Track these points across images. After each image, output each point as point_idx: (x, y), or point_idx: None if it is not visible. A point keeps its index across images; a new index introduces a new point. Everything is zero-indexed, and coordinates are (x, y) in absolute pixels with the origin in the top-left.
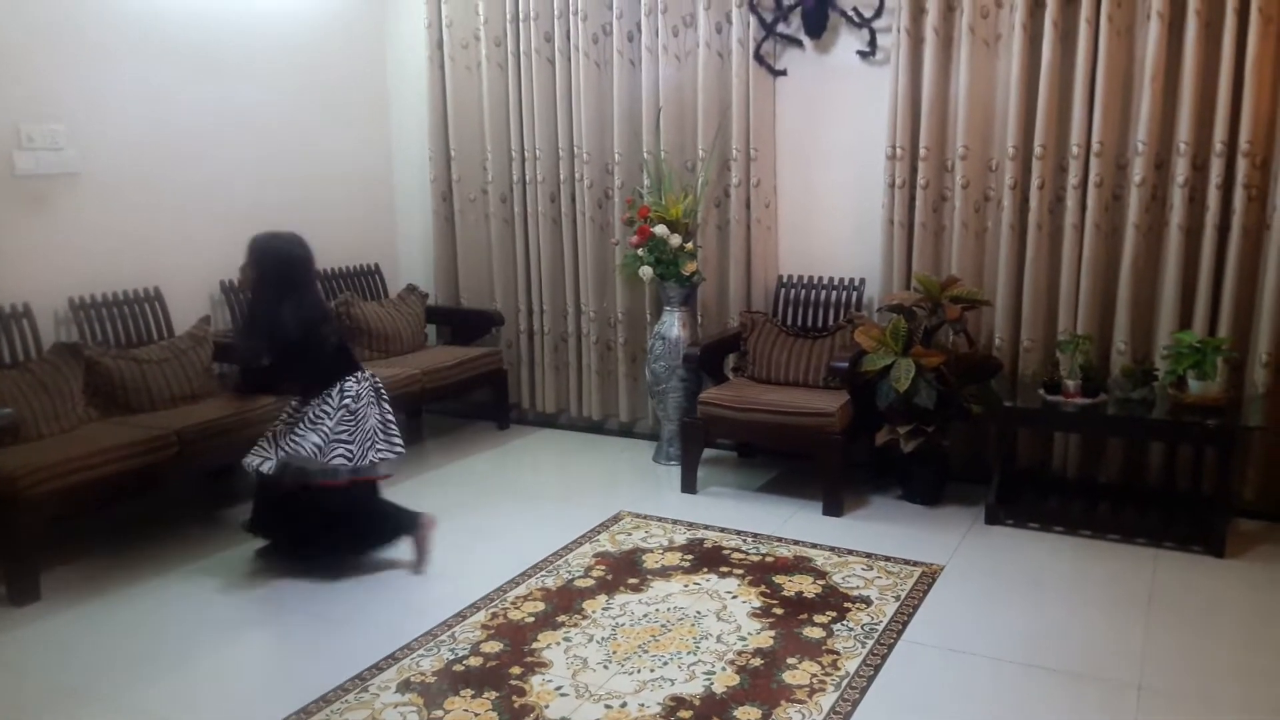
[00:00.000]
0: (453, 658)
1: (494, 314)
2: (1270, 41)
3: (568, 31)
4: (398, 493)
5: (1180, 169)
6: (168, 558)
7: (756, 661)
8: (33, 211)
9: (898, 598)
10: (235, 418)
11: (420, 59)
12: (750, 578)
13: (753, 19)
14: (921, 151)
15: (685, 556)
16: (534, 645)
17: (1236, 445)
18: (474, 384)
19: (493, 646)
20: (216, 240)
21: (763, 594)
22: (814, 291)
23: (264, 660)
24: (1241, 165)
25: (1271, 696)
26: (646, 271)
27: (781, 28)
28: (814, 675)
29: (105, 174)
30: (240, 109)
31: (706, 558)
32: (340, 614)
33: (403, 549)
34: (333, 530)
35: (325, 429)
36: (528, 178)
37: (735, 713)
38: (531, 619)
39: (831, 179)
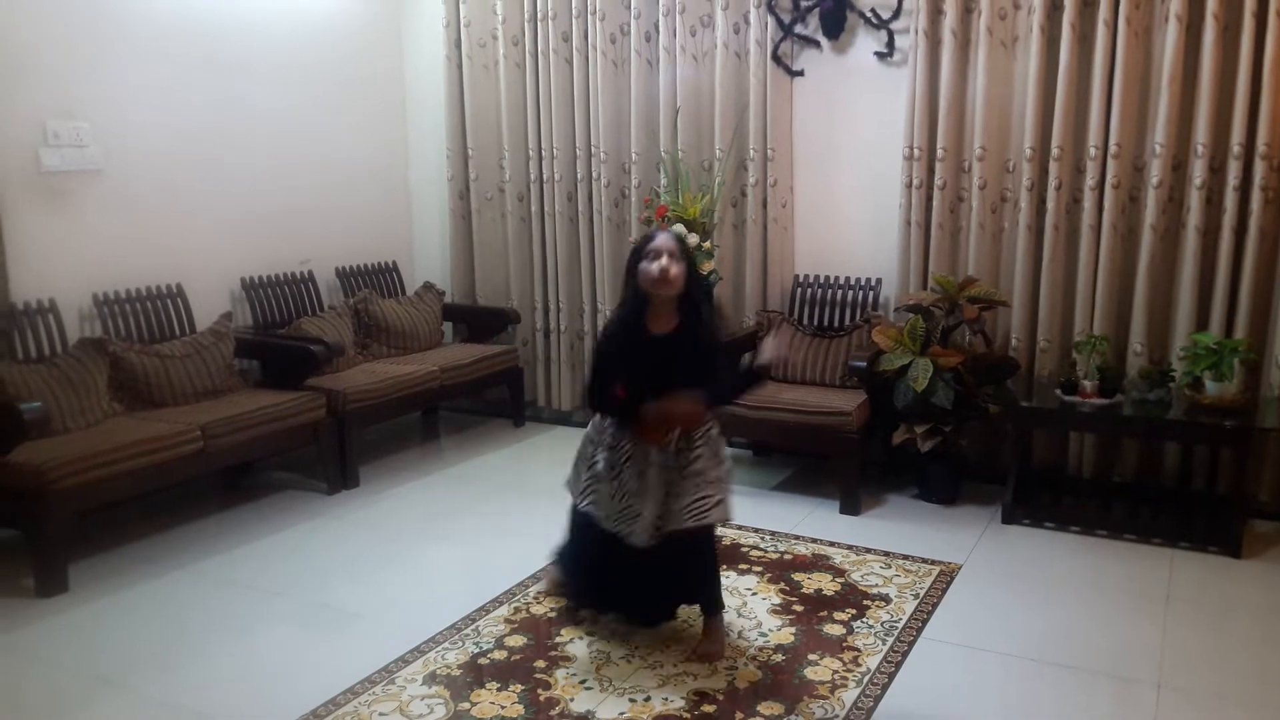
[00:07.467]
0: (477, 651)
1: (510, 312)
2: None
3: (585, 31)
4: (416, 488)
5: (1197, 171)
6: (191, 550)
7: (778, 658)
8: (58, 208)
9: (916, 596)
10: (257, 413)
11: (438, 58)
12: (769, 575)
13: (770, 20)
14: (939, 152)
15: None
16: (557, 640)
17: (1253, 446)
18: (490, 381)
19: (516, 640)
20: (237, 237)
21: (782, 591)
22: (830, 291)
23: (288, 652)
24: (1259, 168)
25: None
26: None
27: (799, 29)
28: (835, 671)
29: (128, 171)
30: (260, 108)
31: (725, 555)
32: (362, 608)
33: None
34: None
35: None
36: (545, 176)
37: (759, 708)
38: (554, 614)
39: (848, 179)
